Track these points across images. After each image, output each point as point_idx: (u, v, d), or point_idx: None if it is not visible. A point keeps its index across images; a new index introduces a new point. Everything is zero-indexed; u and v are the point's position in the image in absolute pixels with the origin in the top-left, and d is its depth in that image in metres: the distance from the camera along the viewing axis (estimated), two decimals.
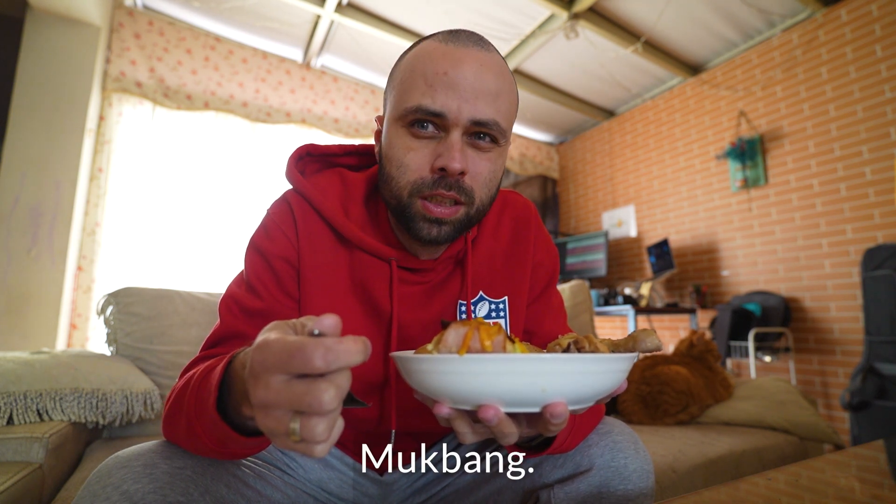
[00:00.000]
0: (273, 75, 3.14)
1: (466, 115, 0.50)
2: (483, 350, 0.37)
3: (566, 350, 0.42)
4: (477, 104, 0.50)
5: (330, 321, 0.29)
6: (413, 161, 0.51)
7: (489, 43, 0.54)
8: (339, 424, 0.30)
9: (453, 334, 0.38)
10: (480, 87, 0.50)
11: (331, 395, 0.27)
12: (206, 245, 2.82)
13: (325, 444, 0.29)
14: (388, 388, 0.59)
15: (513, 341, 0.39)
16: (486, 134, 0.52)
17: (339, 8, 2.70)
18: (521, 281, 0.64)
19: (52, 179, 2.29)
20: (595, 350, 0.41)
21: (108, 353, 1.21)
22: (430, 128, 0.51)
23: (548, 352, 0.42)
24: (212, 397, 0.40)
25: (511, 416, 0.37)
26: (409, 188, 0.52)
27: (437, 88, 0.49)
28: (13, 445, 0.84)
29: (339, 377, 0.29)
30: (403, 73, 0.53)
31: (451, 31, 0.53)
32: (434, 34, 0.54)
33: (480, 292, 0.63)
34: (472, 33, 0.54)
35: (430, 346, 0.39)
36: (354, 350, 0.28)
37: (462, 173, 0.51)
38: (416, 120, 0.51)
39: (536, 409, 0.35)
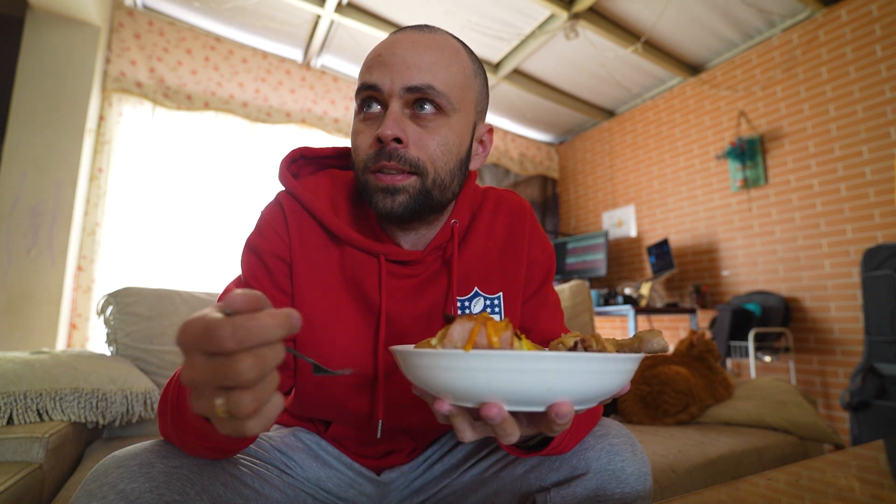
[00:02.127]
0: (273, 75, 3.14)
1: (399, 84, 0.52)
2: (490, 346, 0.36)
3: (572, 349, 0.41)
4: (408, 73, 0.52)
5: (239, 299, 0.29)
6: (362, 141, 0.55)
7: (439, 29, 0.57)
8: (276, 401, 0.30)
9: (459, 329, 0.37)
10: (412, 59, 0.53)
11: (247, 364, 0.27)
12: (206, 245, 2.82)
13: (255, 420, 0.28)
14: (377, 382, 0.59)
15: (519, 338, 0.38)
16: (425, 100, 0.53)
17: (339, 8, 2.70)
18: (516, 277, 0.64)
19: (52, 179, 2.29)
20: (603, 349, 0.40)
21: (108, 353, 1.21)
22: (375, 106, 0.54)
23: (551, 350, 0.41)
24: (187, 390, 0.40)
25: (513, 414, 0.36)
26: (361, 166, 0.55)
27: (372, 67, 0.54)
28: (13, 445, 0.84)
29: (261, 350, 0.28)
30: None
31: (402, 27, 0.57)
32: None
33: (475, 288, 0.63)
34: (421, 24, 0.57)
35: (433, 341, 0.38)
36: (270, 325, 0.28)
37: (399, 140, 0.52)
38: (362, 102, 0.55)
39: (541, 409, 0.35)
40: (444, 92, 0.53)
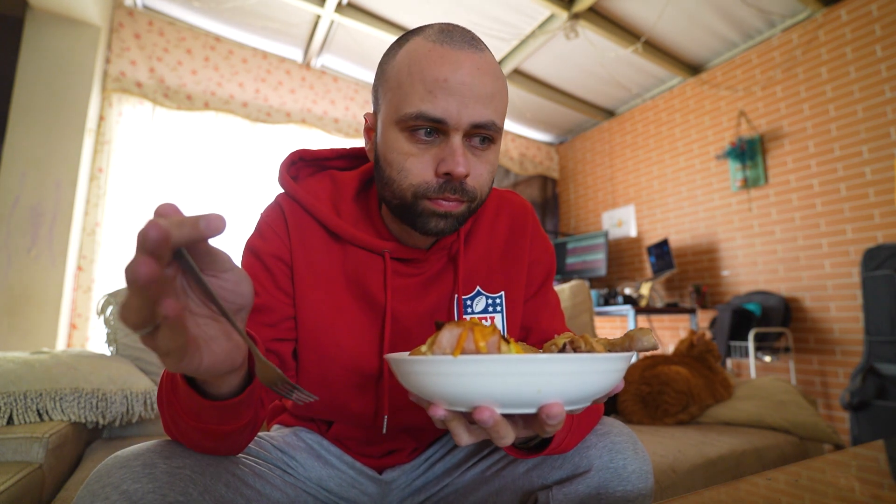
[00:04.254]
0: (273, 75, 3.14)
1: (466, 120, 0.50)
2: (477, 351, 0.36)
3: (562, 350, 0.41)
4: (476, 108, 0.50)
5: (165, 207, 0.30)
6: (415, 166, 0.52)
7: (480, 40, 0.55)
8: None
9: (447, 335, 0.37)
10: (479, 90, 0.51)
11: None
12: None
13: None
14: (382, 379, 0.60)
15: (507, 342, 0.39)
16: (484, 134, 0.53)
17: (339, 8, 2.70)
18: (518, 277, 0.65)
19: (52, 179, 2.29)
20: (591, 349, 0.40)
21: (108, 353, 1.21)
22: (431, 132, 0.52)
23: (544, 352, 0.42)
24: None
25: (507, 417, 0.37)
26: (412, 191, 0.53)
27: (436, 94, 0.50)
28: (13, 445, 0.84)
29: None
30: (400, 75, 0.52)
31: (442, 29, 0.53)
32: (423, 30, 0.54)
33: (478, 287, 0.64)
34: (465, 31, 0.54)
35: (423, 348, 0.38)
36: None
37: (466, 176, 0.52)
38: (416, 125, 0.51)
39: (532, 410, 0.35)
40: (501, 126, 0.54)
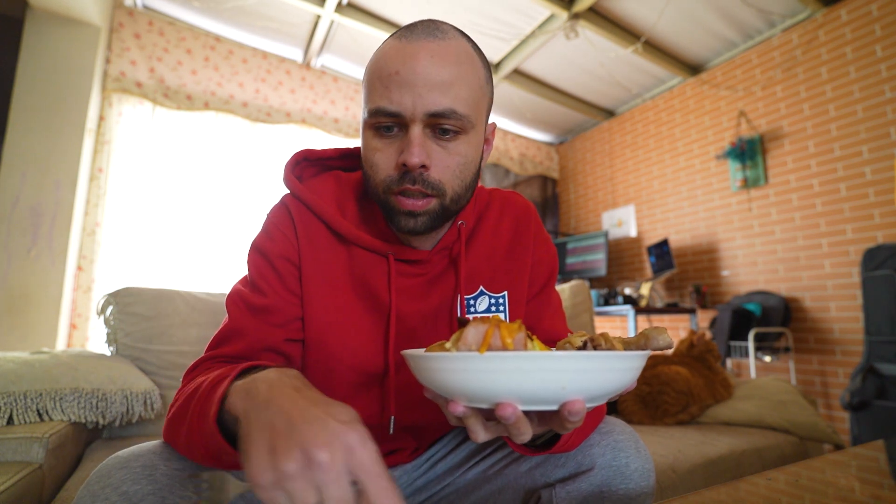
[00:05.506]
0: (273, 75, 3.14)
1: (421, 110, 0.50)
2: (504, 348, 0.37)
3: (581, 348, 0.42)
4: (430, 97, 0.50)
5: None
6: (381, 160, 0.53)
7: (449, 30, 0.54)
8: None
9: (473, 332, 0.37)
10: (433, 78, 0.50)
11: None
12: (206, 245, 2.82)
13: None
14: (387, 379, 0.60)
15: (531, 339, 0.39)
16: (447, 123, 0.52)
17: (339, 8, 2.70)
18: (521, 277, 0.65)
19: (52, 179, 2.29)
20: (612, 347, 0.41)
21: (108, 353, 1.21)
22: (394, 127, 0.52)
23: (559, 350, 0.42)
24: (213, 408, 0.40)
25: (524, 413, 0.37)
26: (381, 186, 0.54)
27: (391, 88, 0.51)
28: (13, 445, 0.84)
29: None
30: (367, 77, 0.55)
31: (408, 26, 0.54)
32: (395, 31, 0.55)
33: (481, 287, 0.64)
34: (430, 24, 0.54)
35: (448, 344, 0.38)
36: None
37: (424, 167, 0.52)
38: (379, 121, 0.52)
39: (554, 407, 0.35)
40: (465, 113, 0.52)
